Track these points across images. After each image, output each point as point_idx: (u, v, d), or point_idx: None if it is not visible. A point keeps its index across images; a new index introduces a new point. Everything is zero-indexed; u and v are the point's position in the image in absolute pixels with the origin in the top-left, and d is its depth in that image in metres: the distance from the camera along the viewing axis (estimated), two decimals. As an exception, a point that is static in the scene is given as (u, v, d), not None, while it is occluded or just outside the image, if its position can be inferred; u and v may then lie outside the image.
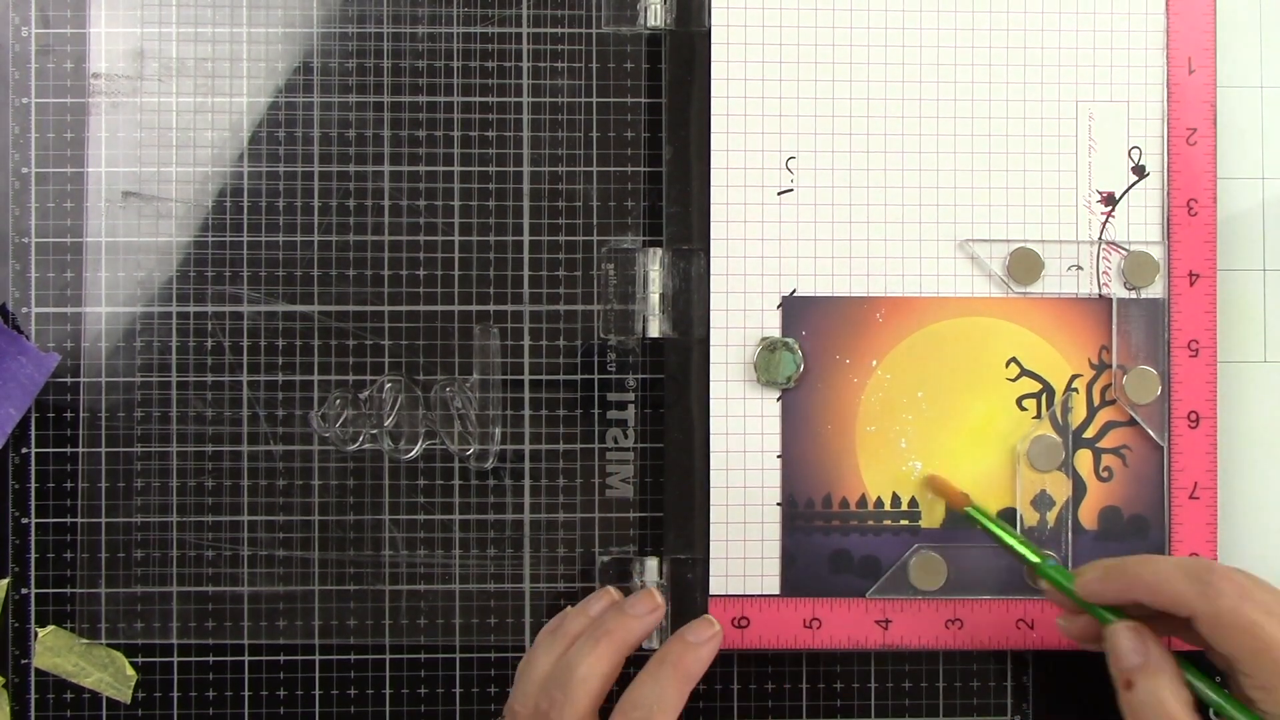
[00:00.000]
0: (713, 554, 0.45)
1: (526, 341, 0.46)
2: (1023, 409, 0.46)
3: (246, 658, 0.46)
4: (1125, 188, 0.46)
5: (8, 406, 0.45)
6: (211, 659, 0.46)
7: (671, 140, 0.46)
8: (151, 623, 0.45)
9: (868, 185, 0.46)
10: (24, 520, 0.45)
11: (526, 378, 0.46)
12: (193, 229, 0.46)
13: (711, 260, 0.45)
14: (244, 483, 0.46)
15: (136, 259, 0.46)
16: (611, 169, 0.46)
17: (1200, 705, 0.38)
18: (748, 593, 0.45)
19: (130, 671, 0.46)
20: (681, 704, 0.41)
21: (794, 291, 0.46)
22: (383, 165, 0.46)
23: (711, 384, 0.45)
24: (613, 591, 0.44)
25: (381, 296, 0.46)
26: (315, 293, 0.46)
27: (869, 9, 0.46)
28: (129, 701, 0.46)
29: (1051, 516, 0.45)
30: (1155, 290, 0.46)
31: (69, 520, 0.45)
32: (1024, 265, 0.45)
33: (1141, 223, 0.46)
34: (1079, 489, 0.46)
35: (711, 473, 0.45)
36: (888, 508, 0.45)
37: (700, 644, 0.42)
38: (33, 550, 0.45)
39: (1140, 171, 0.46)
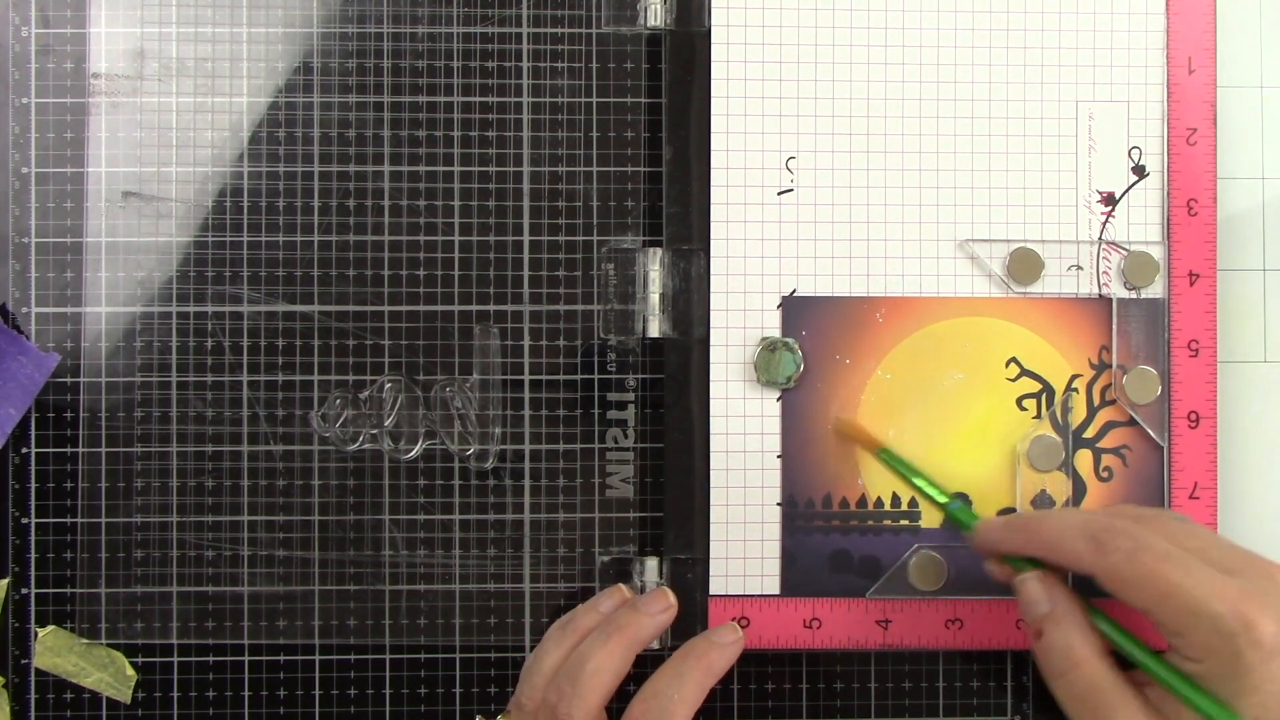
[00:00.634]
0: (713, 554, 0.45)
1: (526, 341, 0.46)
2: (1023, 409, 0.46)
3: (246, 658, 0.46)
4: (1125, 188, 0.46)
5: (8, 406, 0.45)
6: (211, 659, 0.46)
7: (671, 140, 0.46)
8: (151, 623, 0.45)
9: (868, 185, 0.46)
10: (24, 520, 0.45)
11: (526, 378, 0.46)
12: (193, 229, 0.46)
13: (711, 260, 0.45)
14: (244, 483, 0.46)
15: (136, 259, 0.46)
16: (611, 169, 0.46)
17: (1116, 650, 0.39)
18: (748, 593, 0.45)
19: (130, 671, 0.46)
20: (699, 700, 0.41)
21: (794, 291, 0.46)
22: (383, 165, 0.46)
23: (711, 384, 0.45)
24: (624, 589, 0.44)
25: (381, 296, 0.46)
26: (315, 293, 0.46)
27: (869, 9, 0.46)
28: (129, 701, 0.46)
29: (1051, 516, 0.45)
30: (1155, 290, 0.46)
31: (69, 520, 0.45)
32: (1024, 265, 0.45)
33: (1141, 223, 0.46)
34: (1079, 489, 0.46)
35: (711, 473, 0.45)
36: (888, 508, 0.45)
37: (725, 644, 0.42)
38: (33, 550, 0.45)
39: (1140, 171, 0.46)
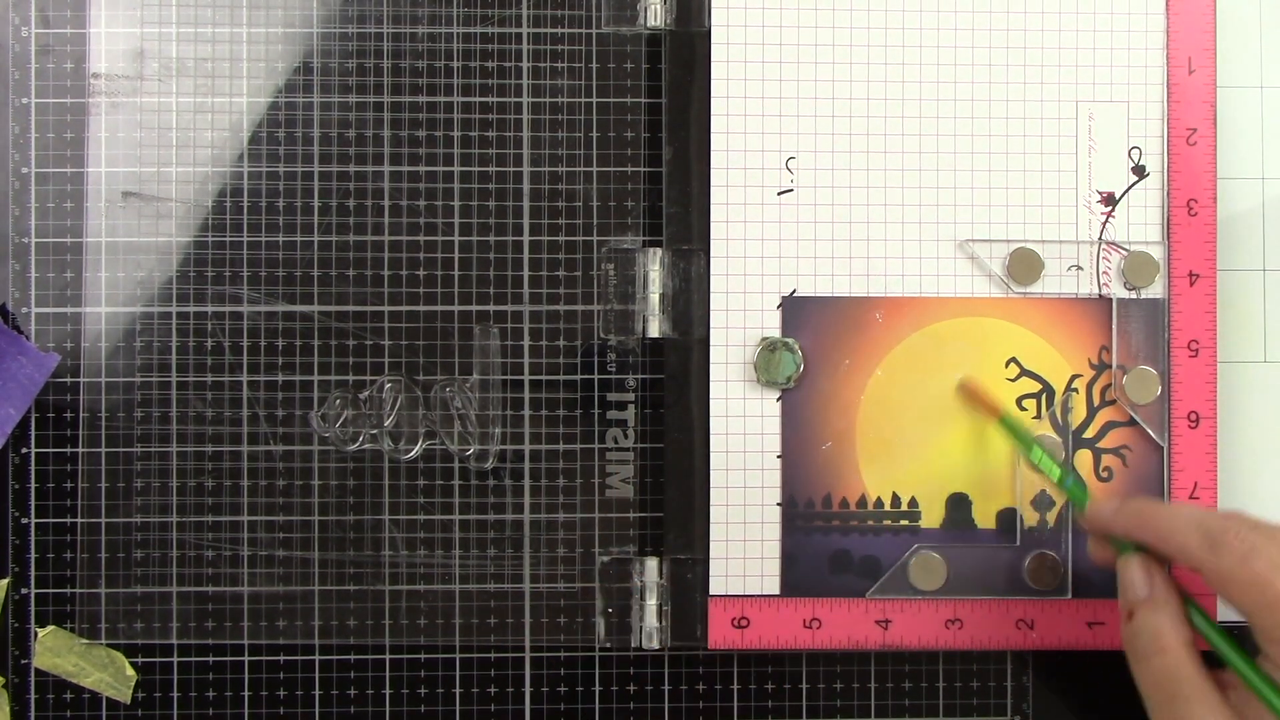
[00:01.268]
0: (713, 554, 0.45)
1: (526, 341, 0.46)
2: (1023, 409, 0.46)
3: (246, 658, 0.46)
4: (1125, 188, 0.46)
5: (8, 406, 0.45)
6: (211, 659, 0.46)
7: (671, 140, 0.46)
8: (151, 623, 0.45)
9: (868, 185, 0.46)
10: (24, 520, 0.45)
11: (526, 378, 0.46)
12: (193, 229, 0.46)
13: (711, 260, 0.45)
14: (244, 483, 0.46)
15: (136, 259, 0.46)
16: (611, 169, 0.46)
17: (1210, 652, 0.38)
18: (748, 593, 0.45)
19: (130, 671, 0.46)
20: None
21: (794, 291, 0.46)
22: (383, 165, 0.46)
23: (711, 384, 0.45)
24: None
25: (381, 296, 0.46)
26: (315, 293, 0.46)
27: (869, 9, 0.46)
28: (129, 701, 0.46)
29: (1051, 517, 0.45)
30: (1155, 290, 0.46)
31: (69, 520, 0.45)
32: (1024, 265, 0.45)
33: (1141, 223, 0.46)
34: (1079, 489, 0.46)
35: (711, 473, 0.45)
36: (888, 508, 0.45)
37: None
38: (33, 550, 0.45)
39: (1140, 171, 0.46)
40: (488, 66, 0.46)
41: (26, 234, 0.46)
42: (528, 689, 0.46)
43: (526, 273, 0.46)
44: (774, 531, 0.45)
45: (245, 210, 0.46)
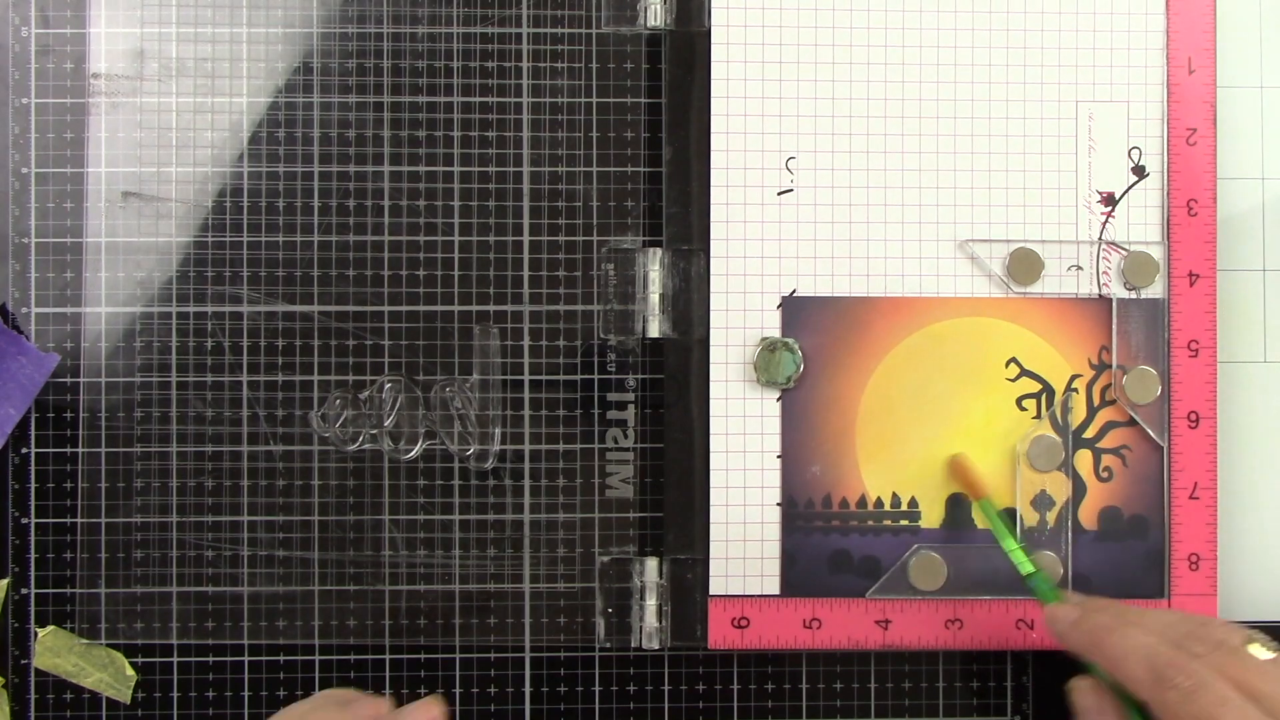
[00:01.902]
0: (713, 554, 0.45)
1: (526, 341, 0.46)
2: (1023, 409, 0.46)
3: (246, 658, 0.46)
4: (1125, 188, 0.46)
5: (8, 406, 0.45)
6: (211, 659, 0.46)
7: (671, 140, 0.46)
8: (151, 623, 0.45)
9: (868, 185, 0.46)
10: (24, 520, 0.45)
11: (526, 378, 0.46)
12: (193, 229, 0.46)
13: (711, 260, 0.45)
14: (244, 483, 0.46)
15: (136, 259, 0.46)
16: (611, 169, 0.46)
17: None
18: (748, 593, 0.45)
19: (130, 671, 0.46)
20: None
21: (794, 291, 0.46)
22: (383, 165, 0.46)
23: (711, 384, 0.45)
24: (386, 702, 0.41)
25: (381, 296, 0.46)
26: (315, 293, 0.46)
27: (869, 9, 0.46)
28: (129, 701, 0.46)
29: (1051, 517, 0.45)
30: (1155, 290, 0.46)
31: (69, 520, 0.45)
32: (1024, 265, 0.45)
33: (1141, 223, 0.46)
34: (1079, 489, 0.46)
35: (711, 473, 0.45)
36: (888, 508, 0.45)
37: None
38: (33, 550, 0.45)
39: (1140, 171, 0.46)
40: (488, 66, 0.46)
41: (26, 234, 0.46)
42: (528, 689, 0.46)
43: (526, 273, 0.46)
44: (774, 531, 0.45)
45: (245, 210, 0.46)
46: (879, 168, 0.46)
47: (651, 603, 0.45)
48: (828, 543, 0.45)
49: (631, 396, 0.46)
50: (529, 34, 0.46)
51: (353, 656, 0.46)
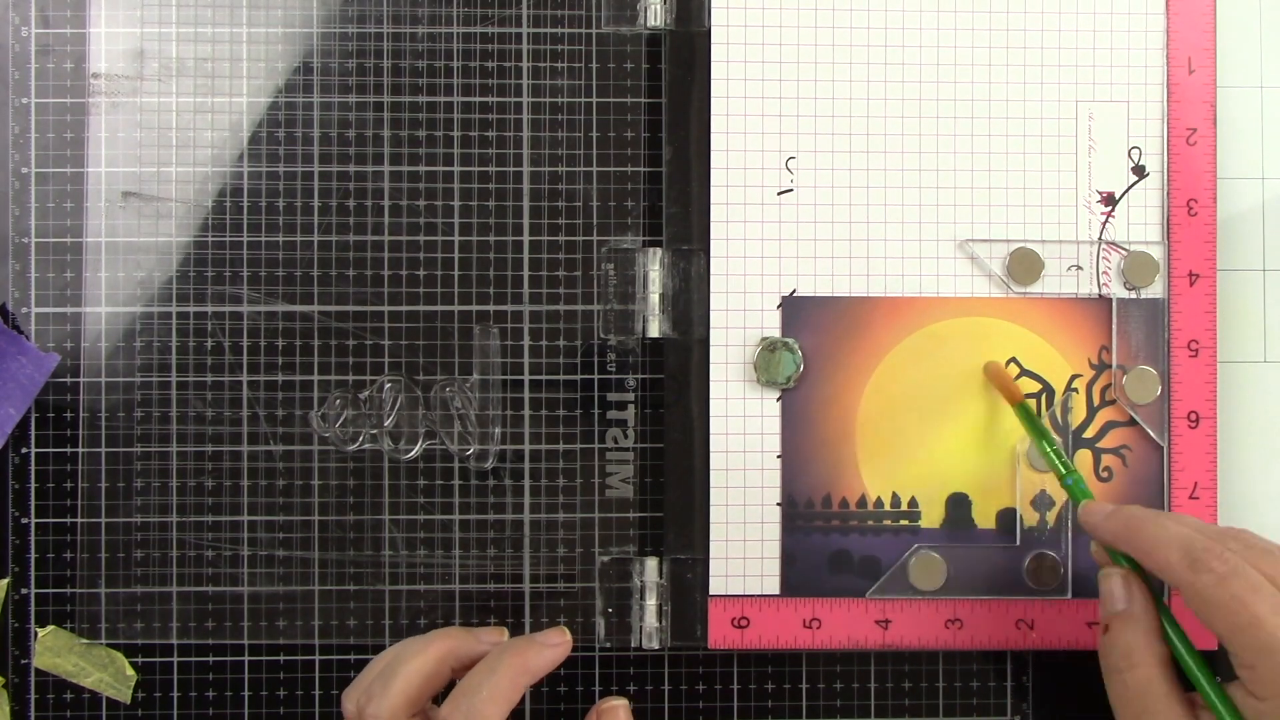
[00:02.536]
0: (713, 554, 0.45)
1: (526, 341, 0.46)
2: (1023, 409, 0.46)
3: (246, 658, 0.46)
4: (1125, 188, 0.46)
5: (8, 406, 0.45)
6: (211, 659, 0.46)
7: (671, 140, 0.46)
8: (151, 623, 0.45)
9: (868, 185, 0.46)
10: (24, 520, 0.45)
11: (526, 378, 0.46)
12: (193, 229, 0.46)
13: (711, 260, 0.45)
14: (244, 483, 0.46)
15: (136, 259, 0.46)
16: (611, 169, 0.46)
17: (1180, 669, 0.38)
18: (748, 593, 0.45)
19: (130, 671, 0.46)
20: (515, 697, 0.40)
21: (794, 291, 0.46)
22: (383, 165, 0.46)
23: (711, 384, 0.45)
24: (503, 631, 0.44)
25: (381, 296, 0.46)
26: (315, 293, 0.46)
27: (869, 9, 0.46)
28: (129, 701, 0.46)
29: (1051, 516, 0.45)
30: (1155, 290, 0.46)
31: (69, 520, 0.45)
32: (1024, 265, 0.46)
33: (1141, 223, 0.46)
34: (1079, 489, 0.46)
35: (711, 473, 0.45)
36: (888, 508, 0.45)
37: (548, 645, 0.42)
38: (33, 550, 0.45)
39: (1140, 171, 0.46)
40: (488, 66, 0.46)
41: (26, 234, 0.46)
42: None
43: (526, 273, 0.46)
44: (774, 531, 0.45)
45: (245, 210, 0.46)
46: (879, 168, 0.46)
47: (651, 602, 0.45)
48: (828, 543, 0.45)
49: (631, 396, 0.46)
50: (529, 34, 0.46)
51: (353, 656, 0.46)
